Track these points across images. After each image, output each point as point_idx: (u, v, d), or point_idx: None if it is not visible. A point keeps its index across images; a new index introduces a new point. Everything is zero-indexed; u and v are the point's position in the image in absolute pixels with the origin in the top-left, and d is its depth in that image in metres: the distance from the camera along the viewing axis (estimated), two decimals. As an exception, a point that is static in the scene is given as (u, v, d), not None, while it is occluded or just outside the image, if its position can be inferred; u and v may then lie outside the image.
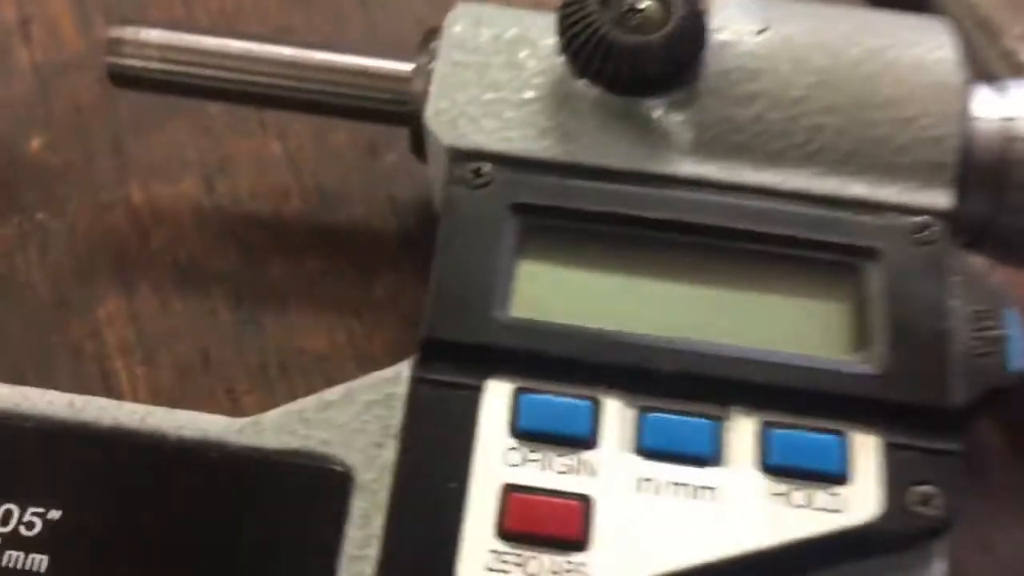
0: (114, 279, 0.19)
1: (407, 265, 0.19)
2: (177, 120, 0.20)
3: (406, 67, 0.18)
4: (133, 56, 0.18)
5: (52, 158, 0.20)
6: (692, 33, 0.16)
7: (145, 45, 0.18)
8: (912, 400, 0.14)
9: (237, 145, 0.20)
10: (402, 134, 0.18)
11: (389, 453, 0.14)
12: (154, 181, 0.20)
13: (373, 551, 0.14)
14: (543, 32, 0.17)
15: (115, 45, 0.18)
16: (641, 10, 0.16)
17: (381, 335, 0.18)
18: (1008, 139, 0.16)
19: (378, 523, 0.14)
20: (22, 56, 0.21)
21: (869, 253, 0.15)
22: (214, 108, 0.20)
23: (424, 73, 0.17)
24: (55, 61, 0.21)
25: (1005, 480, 0.18)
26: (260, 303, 0.19)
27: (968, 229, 0.17)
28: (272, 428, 0.15)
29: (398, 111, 0.17)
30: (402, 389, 0.15)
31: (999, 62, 0.28)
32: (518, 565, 0.13)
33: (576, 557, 0.13)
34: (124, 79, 0.18)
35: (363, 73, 0.18)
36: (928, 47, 0.16)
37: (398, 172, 0.20)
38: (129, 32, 0.18)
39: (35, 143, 0.20)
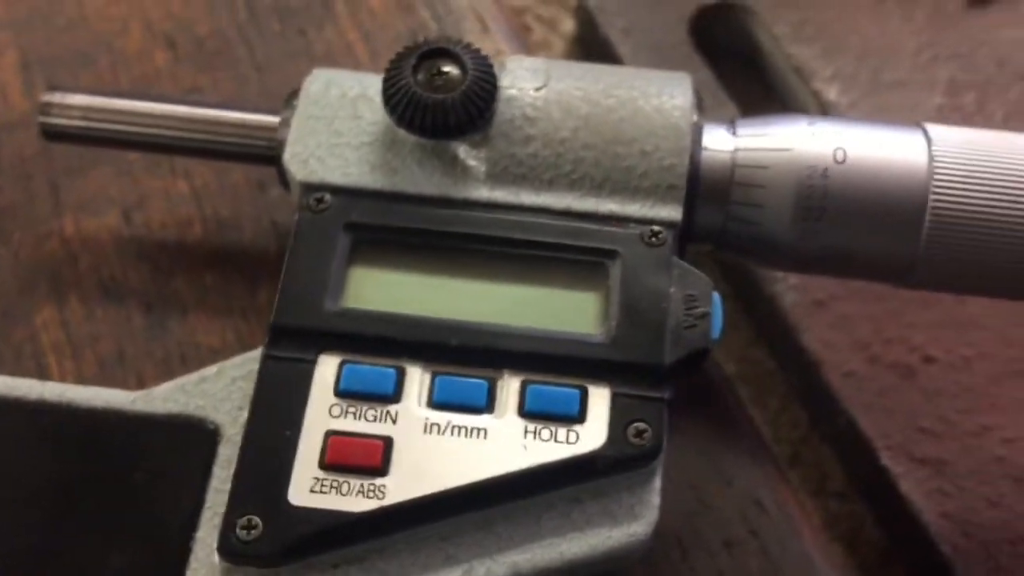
0: (49, 293, 0.24)
1: None
2: (102, 166, 0.25)
3: (274, 120, 0.22)
4: (60, 116, 0.23)
5: (0, 198, 0.25)
6: (483, 91, 0.20)
7: (70, 107, 0.23)
8: (634, 360, 0.19)
9: (151, 184, 0.25)
10: (283, 172, 0.23)
11: (247, 414, 0.19)
12: (83, 215, 0.25)
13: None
14: (377, 91, 0.21)
15: (46, 107, 0.23)
16: (445, 73, 0.21)
17: (263, 333, 0.22)
18: (733, 166, 0.21)
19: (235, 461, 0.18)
20: (-26, 117, 0.26)
21: (612, 254, 0.20)
22: (131, 155, 0.25)
23: (287, 124, 0.22)
24: (3, 120, 0.26)
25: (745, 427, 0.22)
26: (167, 310, 0.23)
27: (708, 237, 0.22)
28: (160, 398, 0.19)
29: (267, 154, 0.22)
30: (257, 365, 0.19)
31: (810, 100, 0.33)
32: (334, 487, 0.18)
33: (378, 480, 0.18)
34: (54, 135, 0.23)
35: (242, 124, 0.23)
36: (668, 96, 0.21)
37: (281, 203, 0.25)
38: (57, 96, 0.23)
39: (-15, 187, 0.25)
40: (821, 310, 0.29)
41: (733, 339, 0.29)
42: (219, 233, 0.24)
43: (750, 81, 0.35)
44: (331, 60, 0.25)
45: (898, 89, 0.32)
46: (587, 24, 0.35)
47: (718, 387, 0.23)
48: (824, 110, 0.32)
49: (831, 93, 0.33)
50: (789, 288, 0.30)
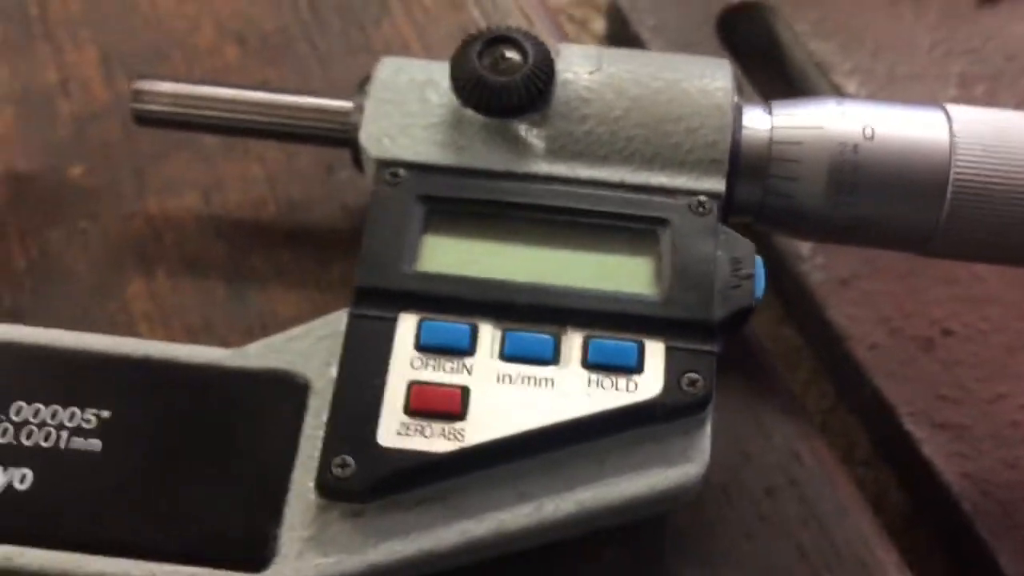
0: (137, 268, 0.25)
1: (354, 254, 0.25)
2: (181, 152, 0.27)
3: (348, 104, 0.24)
4: (151, 102, 0.25)
5: (89, 182, 0.27)
6: (542, 74, 0.22)
7: (160, 94, 0.25)
8: (686, 317, 0.21)
9: (227, 168, 0.27)
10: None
11: (334, 369, 0.21)
12: (165, 197, 0.27)
13: (322, 431, 0.20)
14: (443, 76, 0.23)
15: (138, 94, 0.25)
16: (507, 58, 0.23)
17: (335, 304, 0.24)
18: (770, 143, 0.23)
19: (326, 414, 0.20)
20: (63, 107, 0.28)
21: (663, 222, 0.22)
22: (208, 141, 0.27)
23: (360, 108, 0.24)
24: (88, 111, 0.28)
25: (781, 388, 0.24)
26: (246, 283, 0.25)
27: (747, 209, 0.24)
28: (253, 355, 0.21)
29: (341, 136, 0.24)
30: (343, 325, 0.21)
31: (830, 93, 0.35)
32: (418, 431, 0.20)
33: (457, 424, 0.20)
34: (144, 119, 0.25)
35: (319, 109, 0.25)
36: (711, 79, 0.23)
37: (348, 186, 0.27)
38: (147, 84, 0.25)
39: (76, 171, 0.27)
40: (845, 288, 0.31)
41: (763, 317, 0.31)
42: (291, 213, 0.26)
43: (773, 75, 0.37)
44: (388, 54, 0.27)
45: (913, 82, 0.34)
46: (618, 22, 0.37)
47: (754, 350, 0.25)
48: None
49: (850, 86, 0.35)
50: (815, 268, 0.32)
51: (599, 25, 0.39)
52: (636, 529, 0.21)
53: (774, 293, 0.31)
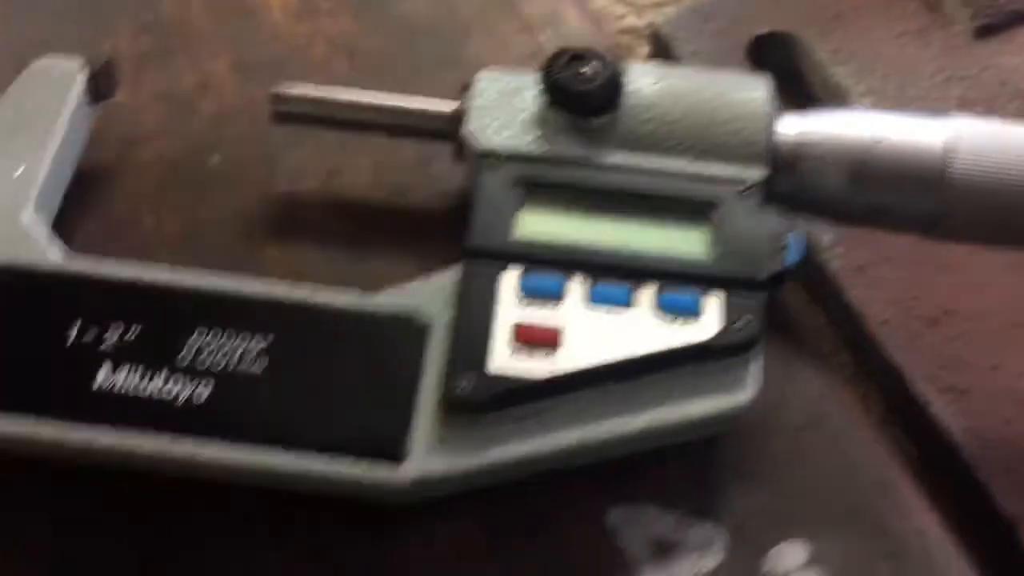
0: (270, 239, 0.30)
1: (450, 228, 0.30)
2: (303, 145, 0.32)
3: (452, 104, 0.29)
4: (289, 104, 0.30)
5: (226, 168, 0.32)
6: (613, 84, 0.27)
7: (296, 97, 0.30)
8: (737, 276, 0.25)
9: (342, 158, 0.32)
10: (445, 150, 0.30)
11: (451, 311, 0.26)
12: (293, 180, 0.32)
13: (441, 363, 0.25)
14: (530, 84, 0.28)
15: (277, 97, 0.30)
16: (587, 70, 0.28)
17: (437, 267, 0.29)
18: (801, 143, 0.28)
19: (446, 346, 0.25)
20: (203, 106, 0.33)
21: (716, 203, 0.27)
22: (328, 136, 0.32)
23: (463, 109, 0.29)
24: (223, 110, 0.33)
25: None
26: (365, 252, 0.30)
27: (785, 198, 0.28)
28: (382, 299, 0.26)
29: (448, 131, 0.29)
30: (456, 277, 0.26)
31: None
32: (521, 359, 0.24)
33: (552, 355, 0.24)
34: (282, 118, 0.30)
35: (427, 109, 0.30)
36: (752, 91, 0.28)
37: (444, 175, 0.31)
38: (286, 87, 0.30)
39: (214, 159, 0.32)
40: (861, 274, 0.36)
41: (793, 298, 0.36)
42: (397, 196, 0.31)
43: (797, 96, 0.42)
44: (471, 70, 0.32)
45: (918, 103, 0.39)
46: (661, 48, 0.42)
47: (789, 321, 0.29)
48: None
49: (865, 107, 0.40)
50: (835, 256, 0.36)
51: (643, 51, 0.44)
52: (692, 447, 0.26)
53: (800, 278, 0.36)
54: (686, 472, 0.26)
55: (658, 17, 0.45)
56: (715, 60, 0.40)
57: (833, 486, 0.26)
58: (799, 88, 0.42)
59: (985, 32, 0.41)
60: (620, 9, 0.45)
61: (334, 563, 0.25)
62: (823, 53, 0.41)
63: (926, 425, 0.33)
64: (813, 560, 0.25)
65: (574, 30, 0.36)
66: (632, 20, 0.45)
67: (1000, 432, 0.32)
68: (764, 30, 0.41)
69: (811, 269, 0.36)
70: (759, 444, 0.27)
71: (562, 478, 0.25)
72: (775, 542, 0.26)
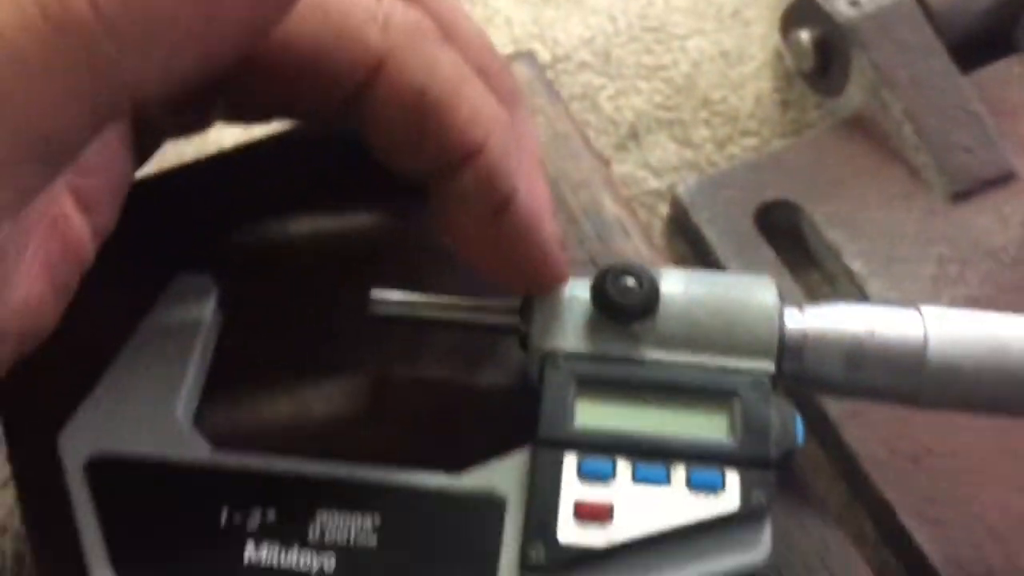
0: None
1: (521, 396, 0.37)
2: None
3: (516, 304, 0.36)
4: (388, 306, 0.37)
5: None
6: (650, 297, 0.34)
7: (390, 302, 0.37)
8: (752, 456, 0.32)
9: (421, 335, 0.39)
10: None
11: (523, 490, 0.32)
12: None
13: (517, 534, 0.31)
14: (583, 290, 0.35)
15: (374, 303, 0.37)
16: (630, 287, 0.34)
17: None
18: (804, 337, 0.35)
19: (521, 519, 0.31)
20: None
21: (734, 392, 0.33)
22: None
23: (527, 312, 0.35)
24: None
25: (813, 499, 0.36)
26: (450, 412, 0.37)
27: (789, 379, 0.35)
28: (466, 480, 0.33)
29: (515, 327, 0.36)
30: (526, 459, 0.32)
31: (840, 269, 0.47)
32: (582, 531, 0.31)
33: (607, 527, 0.31)
34: (376, 319, 0.37)
35: (498, 308, 0.36)
36: (760, 293, 0.35)
37: (508, 356, 0.38)
38: (382, 294, 0.37)
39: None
40: (856, 417, 0.43)
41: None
42: (475, 373, 0.38)
43: (799, 254, 0.48)
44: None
45: (903, 262, 0.46)
46: (680, 212, 0.49)
47: (794, 471, 0.36)
48: (851, 277, 0.46)
49: (856, 264, 0.46)
50: (832, 402, 0.43)
51: (664, 210, 0.51)
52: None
53: (803, 420, 0.43)
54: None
55: (675, 178, 0.52)
56: (728, 224, 0.47)
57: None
58: (800, 246, 0.49)
59: (960, 197, 0.47)
60: (642, 172, 0.52)
61: None
62: (820, 217, 0.47)
63: (912, 552, 0.40)
64: None
65: (615, 218, 0.42)
66: (653, 183, 0.52)
67: (974, 556, 0.39)
68: (771, 197, 0.48)
69: (811, 412, 0.43)
70: (774, 587, 0.33)
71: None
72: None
